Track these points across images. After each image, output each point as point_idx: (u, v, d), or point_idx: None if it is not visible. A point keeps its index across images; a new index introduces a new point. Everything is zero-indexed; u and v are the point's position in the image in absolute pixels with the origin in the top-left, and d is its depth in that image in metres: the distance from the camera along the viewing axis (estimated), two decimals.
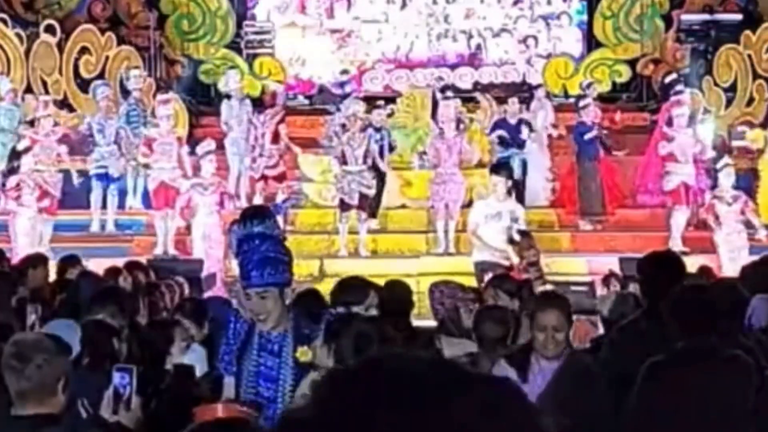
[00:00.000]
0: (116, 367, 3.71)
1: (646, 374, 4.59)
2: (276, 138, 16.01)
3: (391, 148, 16.10)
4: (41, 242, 14.55)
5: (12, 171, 15.07)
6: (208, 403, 4.68)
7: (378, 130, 15.59)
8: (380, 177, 15.57)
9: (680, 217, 14.93)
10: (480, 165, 15.94)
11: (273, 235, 4.85)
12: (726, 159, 15.00)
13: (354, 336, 4.43)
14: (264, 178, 15.76)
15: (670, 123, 15.44)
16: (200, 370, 5.29)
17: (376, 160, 15.25)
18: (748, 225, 14.51)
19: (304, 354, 4.66)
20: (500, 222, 11.93)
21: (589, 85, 17.48)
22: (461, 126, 15.65)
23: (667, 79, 17.20)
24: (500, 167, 12.61)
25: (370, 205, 15.35)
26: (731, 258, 13.55)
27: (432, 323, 7.72)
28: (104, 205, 15.84)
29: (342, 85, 17.98)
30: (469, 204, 14.51)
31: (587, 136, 15.59)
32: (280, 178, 15.90)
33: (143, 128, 15.99)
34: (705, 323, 4.77)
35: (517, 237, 11.70)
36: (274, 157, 15.86)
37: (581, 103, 16.23)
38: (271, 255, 4.75)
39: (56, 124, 16.61)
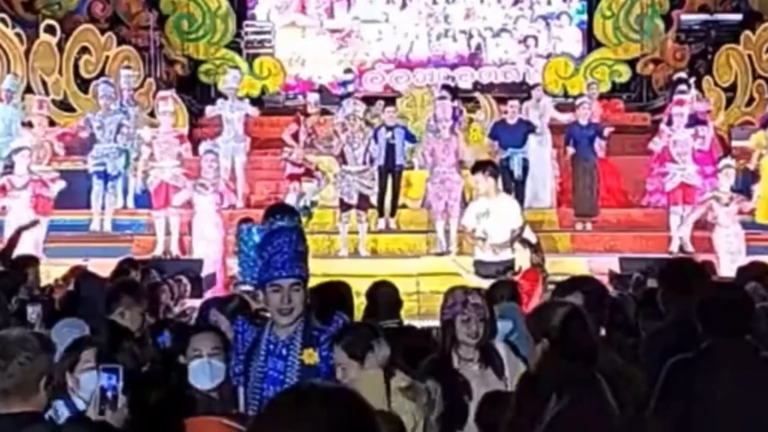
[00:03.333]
0: (103, 367, 3.68)
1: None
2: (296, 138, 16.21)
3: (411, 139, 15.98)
4: (36, 242, 14.46)
5: (6, 170, 14.95)
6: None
7: (390, 129, 15.57)
8: (393, 175, 15.60)
9: (677, 218, 14.90)
10: None
11: (300, 230, 4.82)
12: (727, 160, 14.97)
13: None
14: (295, 177, 15.89)
15: (670, 122, 15.42)
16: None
17: (395, 157, 15.35)
18: (747, 225, 14.49)
19: (310, 356, 4.64)
20: (489, 219, 11.83)
21: (589, 86, 17.48)
22: (458, 126, 15.61)
23: (675, 77, 17.22)
24: (480, 166, 12.40)
25: (393, 202, 15.54)
26: (730, 259, 13.49)
27: (432, 323, 7.70)
28: (104, 205, 15.77)
29: (345, 84, 17.99)
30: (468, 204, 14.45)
31: (581, 136, 15.57)
32: (292, 177, 16.00)
33: (132, 127, 15.89)
34: (740, 323, 4.79)
35: (533, 239, 11.66)
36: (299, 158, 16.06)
37: (576, 102, 16.26)
38: (301, 249, 4.72)
39: (53, 123, 16.58)
